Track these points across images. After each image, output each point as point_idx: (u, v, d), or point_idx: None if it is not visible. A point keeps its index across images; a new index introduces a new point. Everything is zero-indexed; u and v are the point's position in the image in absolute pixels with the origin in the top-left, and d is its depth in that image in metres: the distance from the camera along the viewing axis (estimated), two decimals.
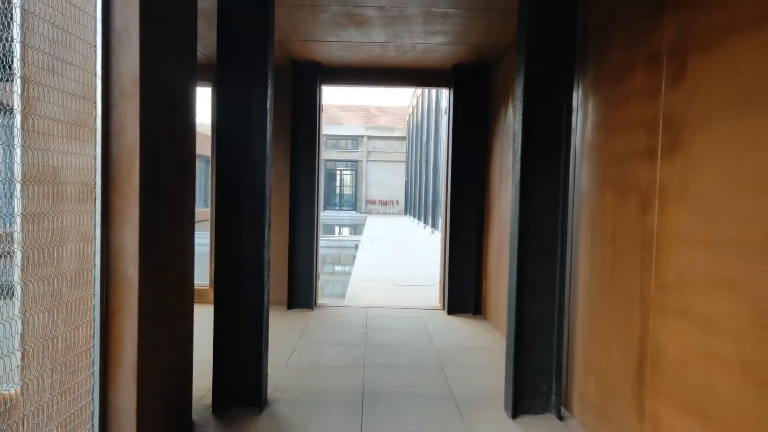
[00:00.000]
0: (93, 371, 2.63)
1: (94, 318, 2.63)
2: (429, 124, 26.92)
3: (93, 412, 2.63)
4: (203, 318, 3.96)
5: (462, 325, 6.57)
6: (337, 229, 30.07)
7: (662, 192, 2.71)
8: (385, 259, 13.40)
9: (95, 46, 2.62)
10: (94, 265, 2.63)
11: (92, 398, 2.63)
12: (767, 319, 1.98)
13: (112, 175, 2.67)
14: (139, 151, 2.69)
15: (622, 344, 3.11)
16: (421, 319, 6.74)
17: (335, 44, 6.11)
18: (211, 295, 4.98)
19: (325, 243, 16.27)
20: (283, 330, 5.98)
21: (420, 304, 7.68)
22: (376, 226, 26.97)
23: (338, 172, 43.29)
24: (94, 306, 2.62)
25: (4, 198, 2.36)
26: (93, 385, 2.63)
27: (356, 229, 28.13)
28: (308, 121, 7.10)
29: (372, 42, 5.94)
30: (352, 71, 7.23)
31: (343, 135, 41.89)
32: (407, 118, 37.49)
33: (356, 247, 17.75)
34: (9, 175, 2.38)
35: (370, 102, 42.28)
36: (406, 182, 37.76)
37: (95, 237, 2.64)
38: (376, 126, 42.77)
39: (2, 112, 2.75)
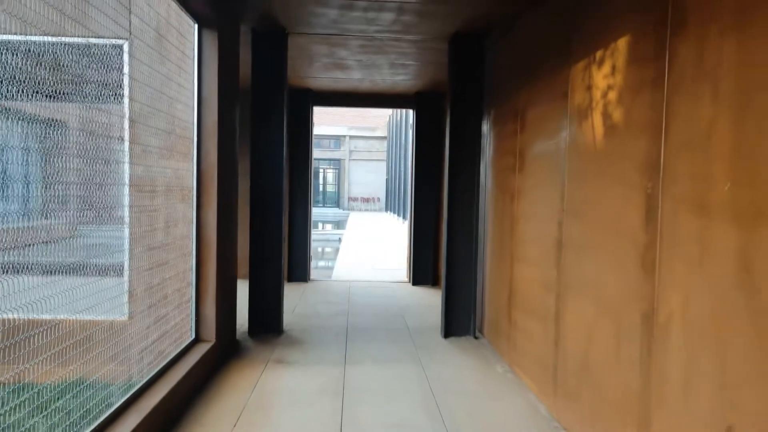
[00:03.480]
0: (191, 294, 4.57)
1: (192, 265, 4.57)
2: (407, 126, 28.86)
3: (191, 317, 4.58)
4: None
5: (422, 292, 8.60)
6: (320, 224, 31.80)
7: (518, 191, 4.74)
8: (365, 250, 15.39)
9: (192, 107, 4.55)
10: (192, 233, 4.57)
11: (191, 309, 4.58)
12: (549, 255, 4.00)
13: (202, 181, 4.61)
14: (217, 167, 4.63)
15: (503, 283, 5.14)
16: (391, 289, 8.76)
17: (324, 78, 8.07)
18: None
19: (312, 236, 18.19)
20: (286, 294, 7.90)
21: (392, 279, 9.70)
22: (358, 221, 28.94)
23: (321, 170, 45.06)
24: (192, 256, 4.56)
25: (119, 196, 4.26)
26: (191, 302, 4.57)
27: (339, 224, 29.92)
28: (303, 135, 9.06)
29: (352, 78, 7.91)
30: (337, 96, 9.20)
31: (326, 135, 43.53)
32: (387, 119, 39.35)
33: (339, 240, 19.72)
34: (122, 180, 4.28)
35: None
36: (387, 180, 39.62)
37: (192, 218, 4.57)
38: (358, 126, 44.52)
39: (118, 140, 4.67)
